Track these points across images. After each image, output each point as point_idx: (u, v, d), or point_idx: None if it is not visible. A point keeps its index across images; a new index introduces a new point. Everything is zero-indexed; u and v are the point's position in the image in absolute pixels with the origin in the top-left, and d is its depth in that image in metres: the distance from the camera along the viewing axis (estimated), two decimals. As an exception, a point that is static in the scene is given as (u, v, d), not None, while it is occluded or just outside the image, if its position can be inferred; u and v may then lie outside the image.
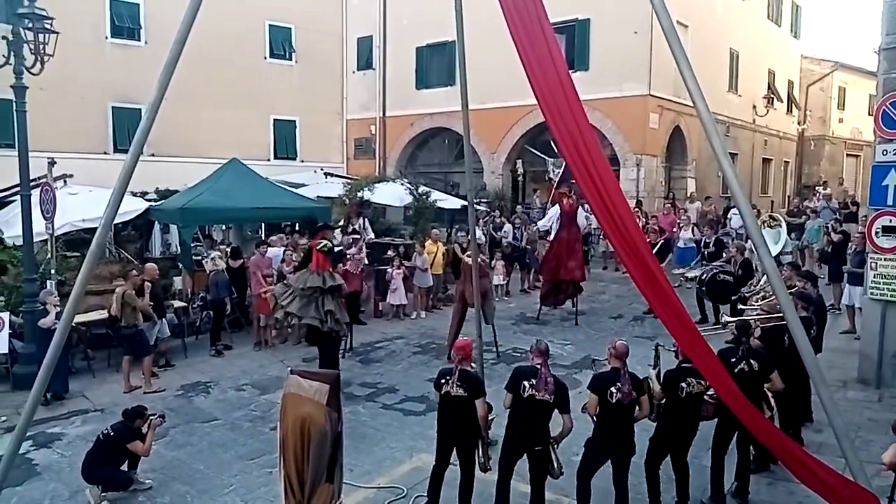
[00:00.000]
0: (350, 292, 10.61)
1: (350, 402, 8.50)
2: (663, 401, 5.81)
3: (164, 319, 10.33)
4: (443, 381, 5.71)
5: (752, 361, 5.92)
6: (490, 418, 6.72)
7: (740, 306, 9.12)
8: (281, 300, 8.80)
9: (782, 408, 6.85)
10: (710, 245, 13.19)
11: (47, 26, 9.43)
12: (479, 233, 11.85)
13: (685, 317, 4.93)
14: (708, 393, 6.14)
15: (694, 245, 15.59)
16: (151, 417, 6.64)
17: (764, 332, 6.90)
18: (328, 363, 8.73)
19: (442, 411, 5.81)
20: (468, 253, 10.76)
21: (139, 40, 21.05)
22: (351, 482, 6.25)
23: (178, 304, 11.59)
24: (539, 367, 5.47)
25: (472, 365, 5.93)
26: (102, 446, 6.39)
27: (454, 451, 5.81)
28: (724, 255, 12.09)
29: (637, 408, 5.53)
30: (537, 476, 5.53)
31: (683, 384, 5.62)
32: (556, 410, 5.48)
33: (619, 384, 5.38)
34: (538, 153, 21.60)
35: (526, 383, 5.43)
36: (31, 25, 9.27)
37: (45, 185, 10.49)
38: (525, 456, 5.55)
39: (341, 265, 9.99)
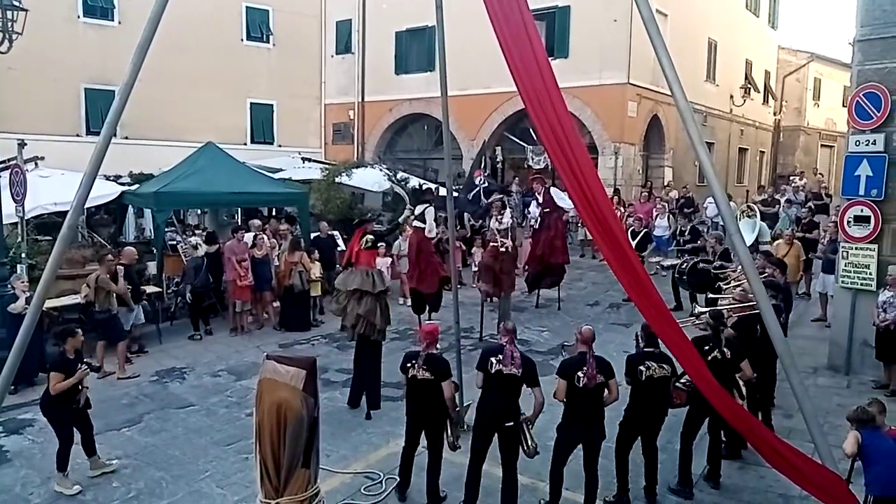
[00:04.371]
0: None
1: (327, 388, 8.49)
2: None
3: (139, 305, 10.22)
4: (409, 364, 5.79)
5: (724, 350, 6.02)
6: (466, 405, 6.80)
7: (711, 295, 9.24)
8: (329, 304, 8.49)
9: (752, 394, 6.97)
10: (686, 233, 13.29)
11: (16, 3, 9.23)
12: (507, 217, 11.76)
13: (660, 303, 4.98)
14: (681, 381, 6.24)
15: (668, 233, 15.75)
16: (82, 367, 6.36)
17: (737, 321, 7.00)
18: (371, 371, 8.11)
19: (409, 394, 5.91)
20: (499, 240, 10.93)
21: (112, 20, 20.63)
22: (327, 468, 6.25)
23: (152, 289, 11.45)
24: (505, 344, 5.55)
25: (437, 348, 5.95)
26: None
27: (423, 433, 5.88)
28: (699, 242, 12.19)
29: (606, 391, 5.60)
30: (509, 455, 5.58)
31: (642, 367, 5.71)
32: (525, 386, 5.55)
33: (585, 369, 5.45)
34: (517, 140, 21.61)
35: (493, 359, 5.51)
36: (-1, 2, 9.06)
37: (15, 167, 10.29)
38: (496, 437, 5.60)
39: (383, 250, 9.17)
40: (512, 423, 5.51)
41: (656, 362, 5.72)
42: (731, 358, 6.02)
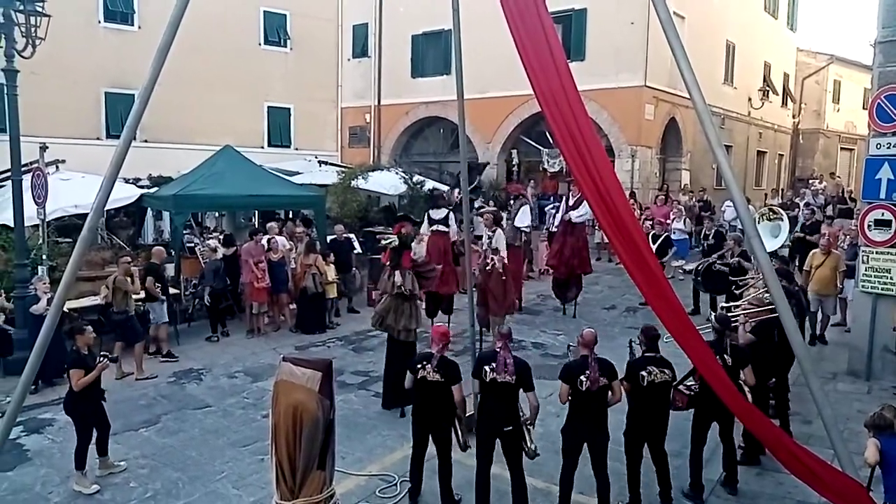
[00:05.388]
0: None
1: (342, 391, 8.50)
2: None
3: (164, 305, 10.33)
4: (419, 365, 5.76)
5: (725, 356, 5.94)
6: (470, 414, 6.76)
7: (726, 304, 9.13)
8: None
9: (767, 400, 6.88)
10: (710, 237, 13.15)
11: (39, 9, 9.33)
12: (499, 234, 11.00)
13: (677, 305, 4.94)
14: (686, 383, 6.19)
15: (686, 237, 15.62)
16: (102, 359, 6.54)
17: (756, 326, 6.92)
18: (396, 373, 7.80)
19: (417, 396, 5.87)
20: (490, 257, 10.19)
21: (132, 25, 20.86)
22: (343, 470, 6.26)
23: (170, 291, 11.54)
24: (499, 350, 5.53)
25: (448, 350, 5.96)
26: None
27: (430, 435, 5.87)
28: (724, 247, 12.06)
29: (609, 393, 5.57)
30: (512, 457, 5.57)
31: (644, 373, 5.68)
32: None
33: (587, 372, 5.43)
34: (533, 143, 21.58)
35: (487, 367, 5.49)
36: (22, 8, 9.16)
37: (37, 171, 10.42)
38: (499, 441, 5.58)
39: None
40: (511, 427, 5.51)
41: (657, 367, 5.70)
42: (731, 364, 5.93)
